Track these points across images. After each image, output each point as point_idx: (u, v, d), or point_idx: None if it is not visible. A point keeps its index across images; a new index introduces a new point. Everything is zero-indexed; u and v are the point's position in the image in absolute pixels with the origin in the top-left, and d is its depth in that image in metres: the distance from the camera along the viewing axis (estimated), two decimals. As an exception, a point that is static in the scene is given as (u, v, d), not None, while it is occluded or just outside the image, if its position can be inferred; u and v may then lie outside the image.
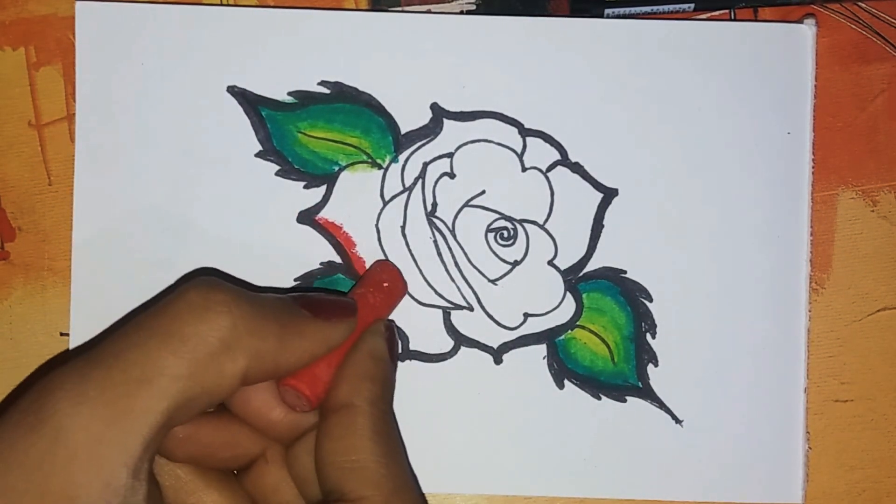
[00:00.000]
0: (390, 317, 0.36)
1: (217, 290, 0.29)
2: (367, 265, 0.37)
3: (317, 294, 0.33)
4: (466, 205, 0.38)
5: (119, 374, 0.27)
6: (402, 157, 0.38)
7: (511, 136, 0.38)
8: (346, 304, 0.33)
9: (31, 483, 0.26)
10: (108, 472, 0.26)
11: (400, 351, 0.37)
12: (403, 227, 0.38)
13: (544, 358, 0.38)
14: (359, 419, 0.31)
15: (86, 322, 0.37)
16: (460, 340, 0.38)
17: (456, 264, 0.38)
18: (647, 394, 0.38)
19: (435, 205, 0.38)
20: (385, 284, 0.35)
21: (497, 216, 0.38)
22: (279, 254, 0.37)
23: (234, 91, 0.38)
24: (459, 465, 0.37)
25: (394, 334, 0.35)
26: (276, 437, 0.32)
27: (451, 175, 0.38)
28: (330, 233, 0.37)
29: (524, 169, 0.38)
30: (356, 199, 0.38)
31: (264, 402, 0.32)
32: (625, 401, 0.38)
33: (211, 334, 0.28)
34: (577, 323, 0.38)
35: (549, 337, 0.38)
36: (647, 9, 0.38)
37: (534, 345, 0.38)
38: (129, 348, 0.28)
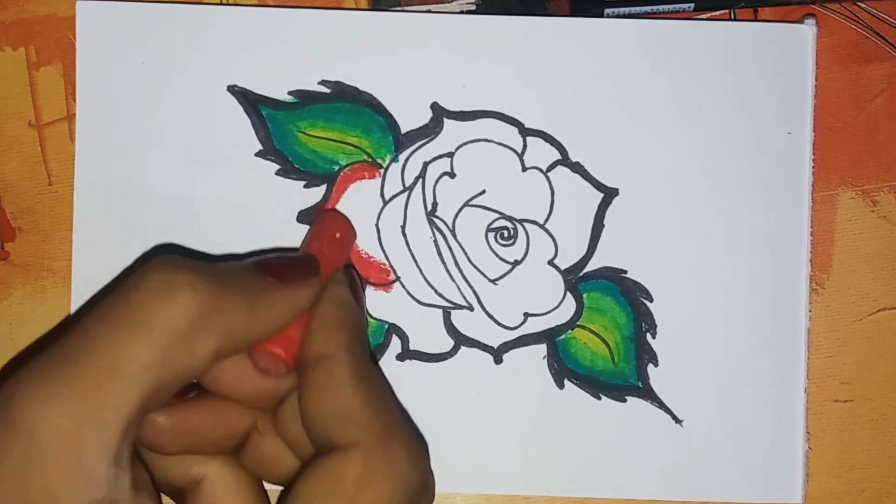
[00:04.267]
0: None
1: (179, 270, 0.28)
2: (369, 265, 0.37)
3: (277, 257, 0.32)
4: (467, 204, 0.38)
5: (87, 368, 0.27)
6: (402, 157, 0.38)
7: (511, 135, 0.38)
8: (310, 264, 0.32)
9: (12, 490, 0.26)
10: (89, 466, 0.26)
11: (401, 350, 0.38)
12: (403, 227, 0.38)
13: (544, 358, 0.38)
14: (336, 367, 0.30)
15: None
16: (460, 340, 0.38)
17: (456, 264, 0.38)
18: (647, 394, 0.38)
19: (435, 204, 0.38)
20: (337, 235, 0.35)
21: (497, 216, 0.38)
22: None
23: (234, 90, 0.38)
24: (459, 465, 0.37)
25: (355, 280, 0.34)
26: (257, 406, 0.32)
27: (452, 174, 0.38)
28: (330, 232, 0.37)
29: (524, 168, 0.38)
30: (356, 198, 0.38)
31: (237, 374, 0.31)
32: (625, 401, 0.38)
33: (179, 317, 0.27)
34: (578, 323, 0.38)
35: (549, 337, 0.38)
36: (647, 9, 0.38)
37: (534, 344, 0.38)
38: (95, 340, 0.27)
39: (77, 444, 0.26)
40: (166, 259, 0.29)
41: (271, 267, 0.31)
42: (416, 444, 0.30)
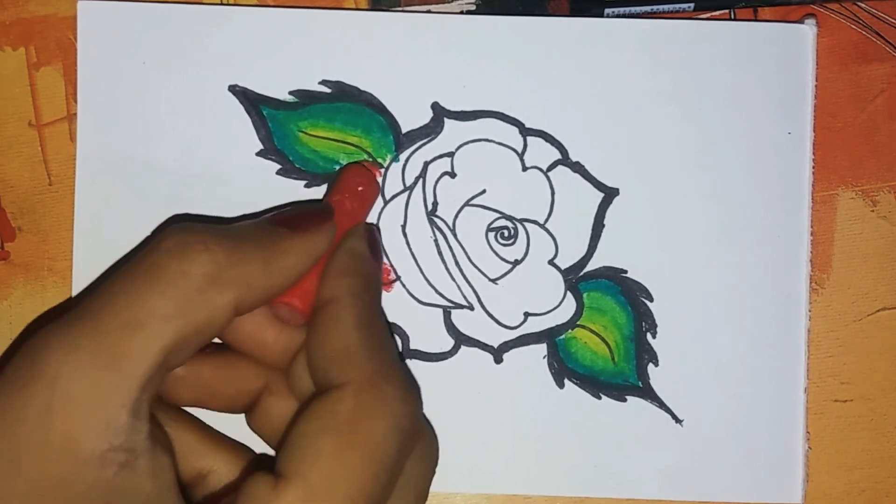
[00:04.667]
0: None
1: (191, 232, 0.29)
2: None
3: (290, 209, 0.33)
4: (467, 204, 0.38)
5: (110, 321, 0.28)
6: (402, 157, 0.38)
7: (512, 135, 0.38)
8: (323, 212, 0.33)
9: (33, 436, 0.27)
10: (108, 414, 0.27)
11: (401, 349, 0.38)
12: (404, 227, 0.38)
13: (544, 357, 0.38)
14: (342, 311, 0.31)
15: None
16: (461, 339, 0.38)
17: (456, 263, 0.38)
18: (647, 393, 0.38)
19: (435, 204, 0.38)
20: (360, 189, 0.35)
21: (498, 215, 0.38)
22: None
23: (235, 90, 0.38)
24: (459, 465, 0.37)
25: (374, 234, 0.35)
26: (273, 360, 0.32)
27: (452, 174, 0.38)
28: (330, 232, 0.37)
29: (525, 168, 0.38)
30: (357, 198, 0.38)
31: (255, 325, 0.32)
32: (625, 400, 0.38)
33: (193, 272, 0.28)
34: (578, 322, 0.38)
35: (549, 336, 0.38)
36: (647, 9, 0.38)
37: (534, 344, 0.38)
38: (117, 296, 0.28)
39: (98, 392, 0.27)
40: (178, 225, 0.30)
41: (283, 219, 0.32)
42: (409, 386, 0.30)
